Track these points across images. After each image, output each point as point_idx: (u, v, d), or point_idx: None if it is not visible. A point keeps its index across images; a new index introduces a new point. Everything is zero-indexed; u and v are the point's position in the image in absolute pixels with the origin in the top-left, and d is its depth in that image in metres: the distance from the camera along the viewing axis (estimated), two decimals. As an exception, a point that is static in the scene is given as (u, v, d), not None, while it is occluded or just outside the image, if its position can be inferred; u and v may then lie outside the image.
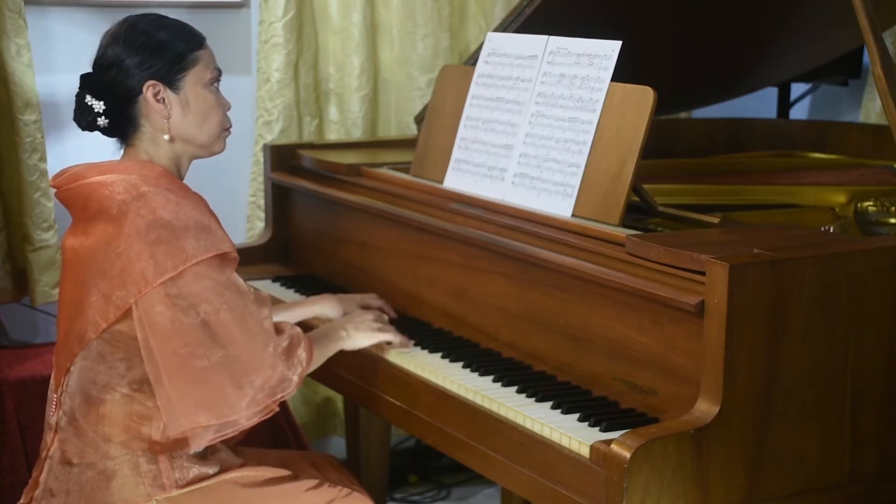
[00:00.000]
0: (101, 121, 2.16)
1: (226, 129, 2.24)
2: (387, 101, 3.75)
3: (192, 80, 2.16)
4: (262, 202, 3.54)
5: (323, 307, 2.58)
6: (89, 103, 2.15)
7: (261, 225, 3.52)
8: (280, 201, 3.11)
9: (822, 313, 1.96)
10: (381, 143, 3.30)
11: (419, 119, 3.13)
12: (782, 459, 1.96)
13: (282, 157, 3.07)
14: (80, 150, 3.35)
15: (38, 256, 3.22)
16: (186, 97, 2.16)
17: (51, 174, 3.20)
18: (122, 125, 2.17)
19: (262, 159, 3.46)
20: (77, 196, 2.15)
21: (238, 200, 3.59)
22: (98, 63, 2.16)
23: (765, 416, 1.93)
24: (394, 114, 3.76)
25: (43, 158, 3.19)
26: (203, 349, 2.04)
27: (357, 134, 3.64)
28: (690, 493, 1.88)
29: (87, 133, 3.02)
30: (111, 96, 2.14)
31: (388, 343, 2.41)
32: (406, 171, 2.76)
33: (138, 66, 2.12)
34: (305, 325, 2.55)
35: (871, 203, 2.59)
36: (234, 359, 2.05)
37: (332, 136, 3.68)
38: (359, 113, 3.65)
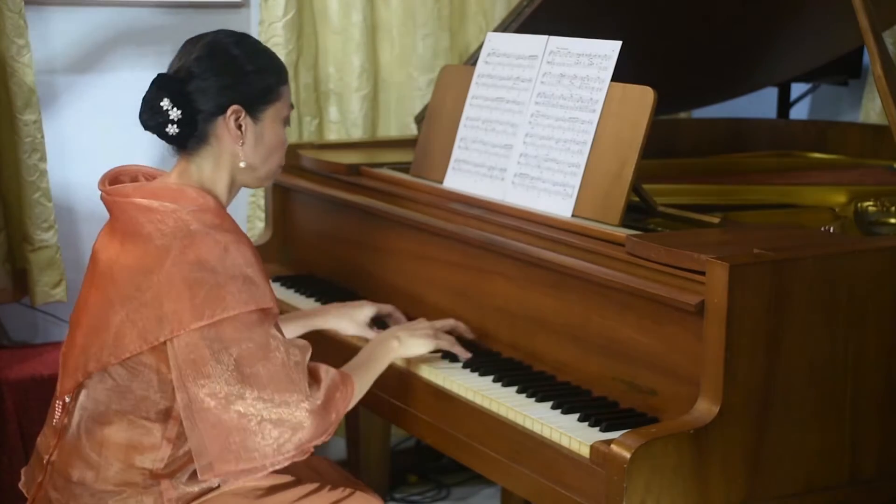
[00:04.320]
0: (171, 128, 2.09)
1: (280, 165, 2.22)
2: (387, 101, 3.75)
3: (272, 115, 2.14)
4: (262, 202, 3.54)
5: (333, 321, 2.53)
6: (165, 108, 2.08)
7: (261, 225, 3.52)
8: (280, 201, 3.11)
9: (822, 313, 1.96)
10: (381, 143, 3.30)
11: (419, 119, 3.13)
12: (782, 459, 1.96)
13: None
14: (80, 150, 3.36)
15: (38, 256, 3.21)
16: (263, 129, 2.13)
17: (51, 174, 3.21)
18: (189, 137, 2.11)
19: (262, 159, 3.46)
20: (121, 211, 2.10)
21: (238, 200, 3.58)
22: (183, 71, 2.10)
23: (765, 416, 1.93)
24: (394, 114, 3.76)
25: (43, 158, 3.18)
26: (236, 398, 2.00)
27: (357, 134, 3.65)
28: (690, 493, 1.88)
29: (87, 134, 3.01)
30: (190, 108, 2.08)
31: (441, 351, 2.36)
32: (406, 171, 2.76)
33: (228, 88, 2.08)
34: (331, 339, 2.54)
35: (871, 203, 2.59)
36: (264, 411, 2.02)
37: (332, 136, 3.68)
38: (359, 113, 3.65)
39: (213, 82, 2.09)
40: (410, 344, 2.33)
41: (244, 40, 2.15)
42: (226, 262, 2.01)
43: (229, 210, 2.15)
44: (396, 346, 2.32)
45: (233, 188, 2.18)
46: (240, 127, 2.11)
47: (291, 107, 2.20)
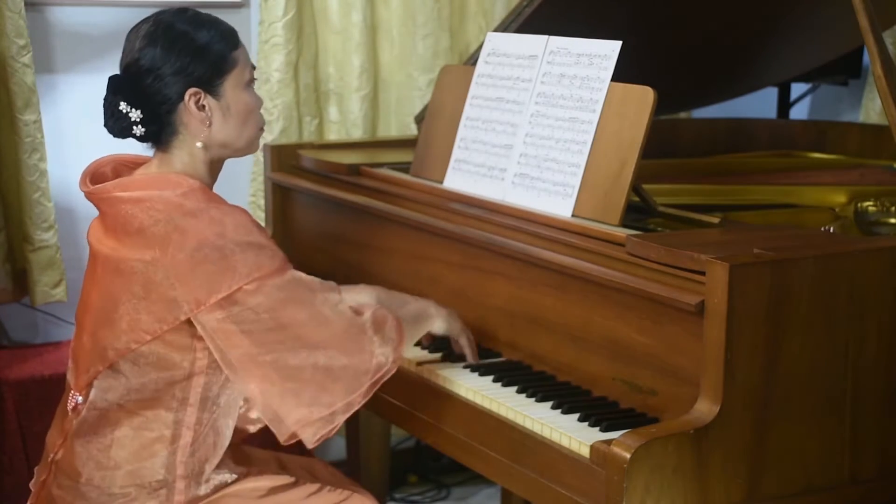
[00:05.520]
0: (138, 129, 2.06)
1: (261, 128, 2.17)
2: (387, 101, 3.75)
3: (232, 84, 2.09)
4: (262, 202, 3.54)
5: (361, 296, 2.51)
6: (124, 111, 2.05)
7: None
8: (280, 201, 3.11)
9: (822, 313, 1.96)
10: (381, 143, 3.30)
11: (419, 119, 3.13)
12: (782, 459, 1.96)
13: (282, 157, 3.07)
14: (80, 150, 3.36)
15: (38, 256, 3.22)
16: (227, 102, 2.09)
17: (51, 174, 3.21)
18: (159, 132, 2.08)
19: (262, 159, 3.46)
20: (110, 206, 2.08)
21: (238, 200, 3.59)
22: (132, 67, 2.06)
23: (765, 416, 1.93)
24: (394, 114, 3.76)
25: (43, 158, 3.19)
26: (286, 351, 2.00)
27: (357, 134, 3.65)
28: (690, 493, 1.88)
29: (88, 134, 3.00)
30: (148, 104, 2.05)
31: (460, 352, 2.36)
32: (406, 171, 2.76)
33: (179, 73, 2.03)
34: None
35: (871, 203, 2.59)
36: (320, 352, 2.01)
37: (332, 136, 3.68)
38: (359, 113, 3.65)
39: (164, 70, 2.04)
40: (447, 320, 2.32)
41: (185, 14, 2.09)
42: (225, 235, 2.00)
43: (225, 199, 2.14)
44: (434, 313, 2.32)
45: (215, 166, 2.15)
46: (202, 108, 2.07)
47: (253, 67, 2.14)
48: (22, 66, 3.12)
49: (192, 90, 2.05)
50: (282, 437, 2.05)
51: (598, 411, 2.06)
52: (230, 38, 2.10)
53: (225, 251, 1.99)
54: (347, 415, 2.05)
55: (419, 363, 2.34)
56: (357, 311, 2.11)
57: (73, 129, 3.36)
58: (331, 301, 2.06)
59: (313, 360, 2.02)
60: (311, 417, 2.03)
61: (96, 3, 3.36)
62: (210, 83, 2.07)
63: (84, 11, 3.35)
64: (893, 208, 2.58)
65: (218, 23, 2.11)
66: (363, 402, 2.06)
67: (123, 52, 2.09)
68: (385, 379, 2.09)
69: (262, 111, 3.55)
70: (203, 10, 2.14)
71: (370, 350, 2.06)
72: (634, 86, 2.25)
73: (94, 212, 2.14)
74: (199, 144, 2.09)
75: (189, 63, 2.04)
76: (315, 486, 2.23)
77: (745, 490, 1.93)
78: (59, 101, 3.35)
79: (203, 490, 2.12)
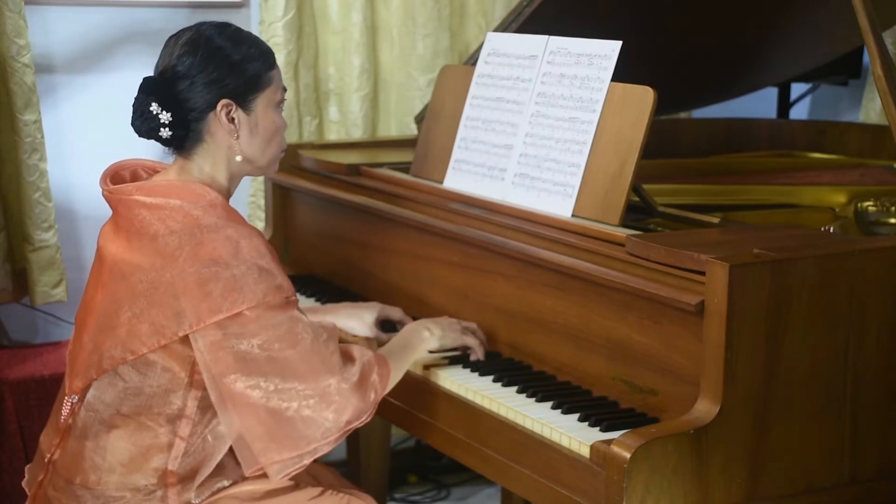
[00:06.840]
0: (165, 132, 2.07)
1: (282, 150, 2.19)
2: (387, 101, 3.75)
3: (264, 102, 2.11)
4: (262, 202, 3.54)
5: (343, 321, 2.52)
6: (155, 112, 2.06)
7: (261, 225, 3.52)
8: (280, 201, 3.11)
9: (822, 313, 1.96)
10: (381, 143, 3.30)
11: (419, 119, 3.13)
12: (782, 459, 1.96)
13: (282, 157, 3.07)
14: (80, 150, 3.36)
15: (38, 256, 3.22)
16: (256, 119, 2.11)
17: (51, 174, 3.21)
18: (184, 138, 2.10)
19: (262, 159, 3.46)
20: (126, 209, 2.08)
21: (238, 200, 3.59)
22: (168, 72, 2.07)
23: (765, 416, 1.93)
24: (394, 114, 3.76)
25: (43, 158, 3.19)
26: (270, 386, 2.00)
27: (357, 134, 3.65)
28: (690, 493, 1.88)
29: (87, 134, 3.01)
30: (180, 109, 2.07)
31: (470, 349, 2.37)
32: (406, 171, 2.76)
33: (213, 83, 2.06)
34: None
35: (871, 203, 2.59)
36: (304, 395, 2.01)
37: (332, 136, 3.68)
38: (359, 113, 3.65)
39: (200, 79, 2.06)
40: (442, 336, 2.34)
41: (226, 29, 2.11)
42: (238, 256, 2.00)
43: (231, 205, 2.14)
44: (428, 336, 2.33)
45: (234, 180, 2.17)
46: (232, 120, 2.09)
47: (284, 90, 2.17)
48: (22, 66, 3.12)
49: (224, 101, 2.07)
50: (247, 469, 2.05)
51: (598, 411, 2.06)
52: (267, 58, 2.13)
53: (234, 271, 1.99)
54: (314, 458, 2.05)
55: (425, 366, 2.34)
56: (348, 357, 2.11)
57: (72, 128, 3.36)
58: (322, 350, 2.05)
59: (296, 403, 2.02)
60: (281, 456, 2.02)
61: (96, 3, 3.36)
62: (243, 97, 2.09)
63: (84, 11, 3.35)
64: (893, 208, 2.58)
65: (257, 42, 2.13)
66: (329, 449, 2.06)
67: (160, 57, 2.11)
68: (356, 428, 2.09)
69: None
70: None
71: (352, 403, 2.05)
72: (634, 86, 2.25)
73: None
74: (238, 158, 2.11)
75: (225, 76, 2.07)
76: (317, 490, 2.22)
77: (745, 490, 1.93)
78: (59, 101, 3.35)
79: (197, 497, 2.11)
